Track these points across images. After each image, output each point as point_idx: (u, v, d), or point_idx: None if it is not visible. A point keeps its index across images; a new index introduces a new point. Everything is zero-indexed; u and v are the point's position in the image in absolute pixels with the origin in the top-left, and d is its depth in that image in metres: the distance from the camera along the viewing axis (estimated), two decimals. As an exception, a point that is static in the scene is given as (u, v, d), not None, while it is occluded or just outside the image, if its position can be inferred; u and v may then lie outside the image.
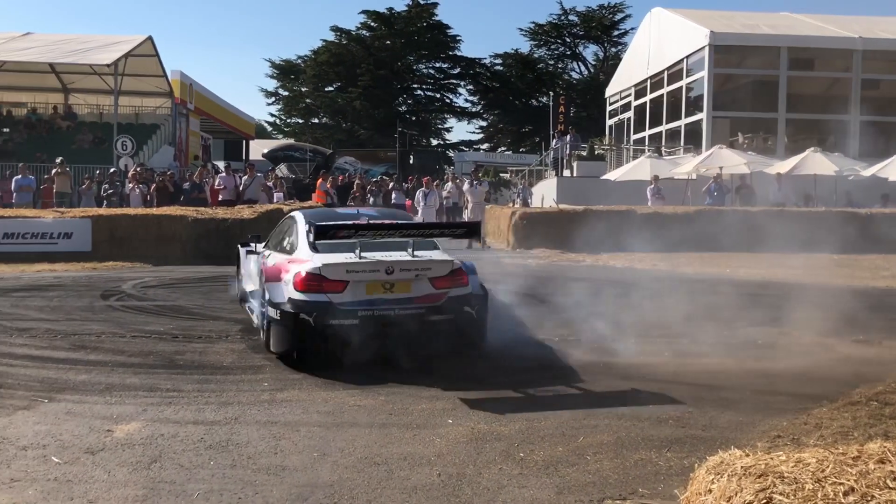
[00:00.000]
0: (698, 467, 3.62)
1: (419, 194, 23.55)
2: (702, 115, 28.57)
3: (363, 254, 7.50)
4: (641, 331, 8.83)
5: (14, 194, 22.38)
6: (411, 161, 55.18)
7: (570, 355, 7.90)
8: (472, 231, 8.40)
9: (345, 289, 7.35)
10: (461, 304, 7.74)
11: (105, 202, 21.89)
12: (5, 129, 32.94)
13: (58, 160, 23.55)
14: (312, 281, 7.37)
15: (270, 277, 7.80)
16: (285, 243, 8.60)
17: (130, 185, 22.16)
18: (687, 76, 29.85)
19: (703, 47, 28.02)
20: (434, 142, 69.09)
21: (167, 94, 35.27)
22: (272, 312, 7.51)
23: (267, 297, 7.70)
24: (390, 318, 7.40)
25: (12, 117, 34.19)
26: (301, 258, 7.81)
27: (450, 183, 25.18)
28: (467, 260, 8.36)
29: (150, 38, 32.47)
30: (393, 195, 25.67)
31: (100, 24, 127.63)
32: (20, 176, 22.79)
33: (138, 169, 23.81)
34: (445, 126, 70.18)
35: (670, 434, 5.51)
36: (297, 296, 7.37)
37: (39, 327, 9.27)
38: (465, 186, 24.18)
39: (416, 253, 7.73)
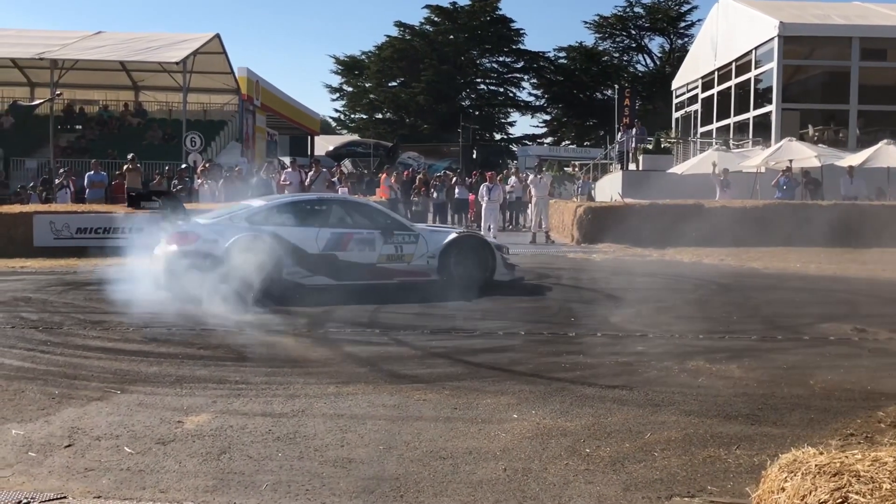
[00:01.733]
0: (770, 465, 3.55)
1: (483, 189, 23.52)
2: (771, 108, 27.93)
3: None
4: (714, 326, 8.72)
5: (87, 190, 22.84)
6: (474, 156, 55.00)
7: (641, 351, 7.85)
8: None
9: None
10: None
11: (175, 197, 22.32)
12: (78, 127, 33.77)
13: (129, 156, 24.06)
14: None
15: None
16: None
17: (199, 181, 22.50)
18: (756, 67, 29.22)
19: (773, 38, 27.36)
20: (497, 136, 69.11)
21: (234, 91, 35.82)
22: None
23: None
24: None
25: (85, 115, 35.01)
26: None
27: (513, 177, 25.11)
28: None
29: (217, 36, 33.06)
30: (457, 190, 25.73)
31: (168, 23, 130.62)
32: (92, 172, 23.28)
33: (207, 165, 24.19)
34: (509, 120, 70.24)
35: (739, 431, 5.40)
36: None
37: (112, 320, 9.46)
38: (530, 179, 24.08)
39: None
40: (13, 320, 9.42)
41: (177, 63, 30.11)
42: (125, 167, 23.68)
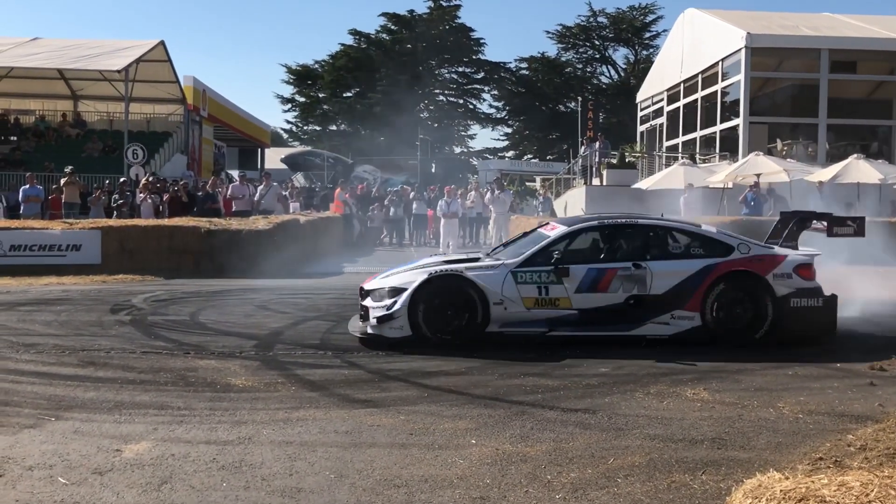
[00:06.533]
0: (735, 490, 3.43)
1: (441, 204, 23.37)
2: (738, 121, 28.08)
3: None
4: (685, 349, 8.67)
5: (21, 205, 22.05)
6: (433, 169, 54.68)
7: (607, 373, 7.73)
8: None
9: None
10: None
11: (115, 213, 21.55)
12: (13, 138, 32.74)
13: (67, 169, 23.19)
14: (811, 270, 9.11)
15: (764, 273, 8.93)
16: (673, 249, 9.35)
17: (142, 196, 21.76)
18: (722, 80, 29.40)
19: (740, 49, 27.51)
20: (457, 149, 68.77)
21: (180, 101, 34.88)
22: (801, 302, 8.92)
23: (772, 291, 8.88)
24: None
25: (20, 125, 33.95)
26: (764, 254, 9.15)
27: (473, 192, 24.96)
28: None
29: (162, 43, 32.21)
30: (414, 205, 25.53)
31: (110, 29, 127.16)
32: (28, 186, 22.44)
33: (150, 178, 23.45)
34: (469, 133, 70.07)
35: (705, 455, 5.29)
36: (810, 284, 9.03)
37: (47, 343, 9.15)
38: (488, 197, 23.85)
39: None
40: (-61, 343, 9.05)
41: (118, 71, 28.88)
42: (63, 181, 22.86)
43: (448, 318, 8.92)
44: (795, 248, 9.40)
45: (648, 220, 9.77)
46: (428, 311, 8.88)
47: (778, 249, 9.27)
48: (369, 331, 9.11)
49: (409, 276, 9.17)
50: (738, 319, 8.91)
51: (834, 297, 9.01)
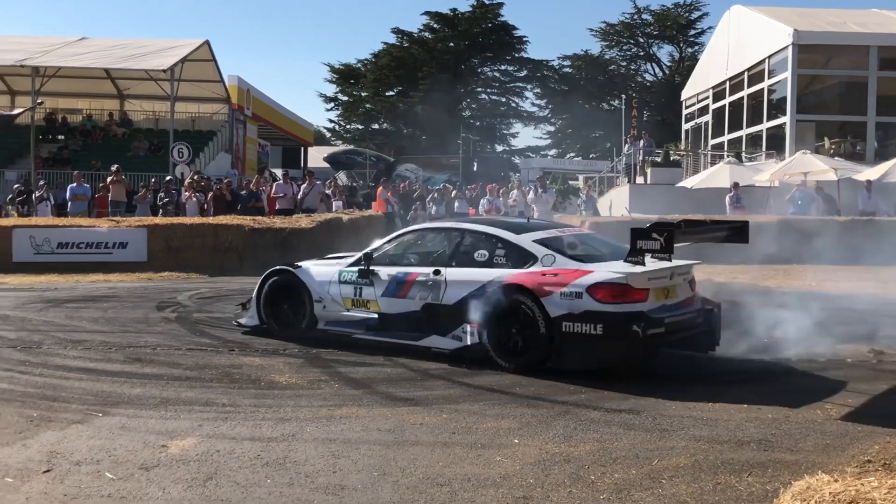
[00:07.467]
0: (783, 493, 3.37)
1: (483, 202, 23.28)
2: (785, 119, 27.68)
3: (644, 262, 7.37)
4: (733, 349, 8.51)
5: (69, 203, 22.41)
6: (475, 168, 54.55)
7: (650, 374, 7.61)
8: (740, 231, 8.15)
9: (647, 297, 7.39)
10: (706, 304, 8.20)
11: (161, 211, 21.90)
12: (60, 137, 33.28)
13: (113, 168, 23.55)
14: (619, 291, 7.31)
15: (539, 292, 7.52)
16: (476, 257, 8.27)
17: (186, 194, 22.02)
18: (769, 77, 28.99)
19: (787, 47, 27.12)
20: (499, 148, 68.36)
21: (224, 100, 35.26)
22: (575, 327, 7.32)
23: (545, 311, 7.43)
24: (682, 324, 7.67)
25: (68, 124, 34.50)
26: (563, 269, 7.64)
27: (515, 191, 24.84)
28: None
29: (206, 43, 32.60)
30: (456, 203, 25.49)
31: (156, 29, 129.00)
32: (75, 184, 22.80)
33: (195, 177, 23.73)
34: (511, 131, 69.27)
35: (751, 457, 5.22)
36: (604, 307, 7.28)
37: (94, 339, 9.28)
38: (530, 196, 23.74)
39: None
40: (-11, 339, 9.21)
41: (164, 71, 29.41)
42: (109, 179, 23.19)
43: (284, 311, 9.37)
44: (642, 262, 7.42)
45: (470, 225, 8.96)
46: (267, 303, 9.43)
47: (589, 265, 7.73)
48: (240, 320, 9.81)
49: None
50: (510, 340, 7.76)
51: (625, 326, 7.24)
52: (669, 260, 7.34)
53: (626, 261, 7.45)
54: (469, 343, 7.93)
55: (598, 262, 7.79)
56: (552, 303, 7.44)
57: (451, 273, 8.22)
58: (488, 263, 8.15)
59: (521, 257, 8.00)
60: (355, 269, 8.88)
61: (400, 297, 8.52)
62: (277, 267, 9.64)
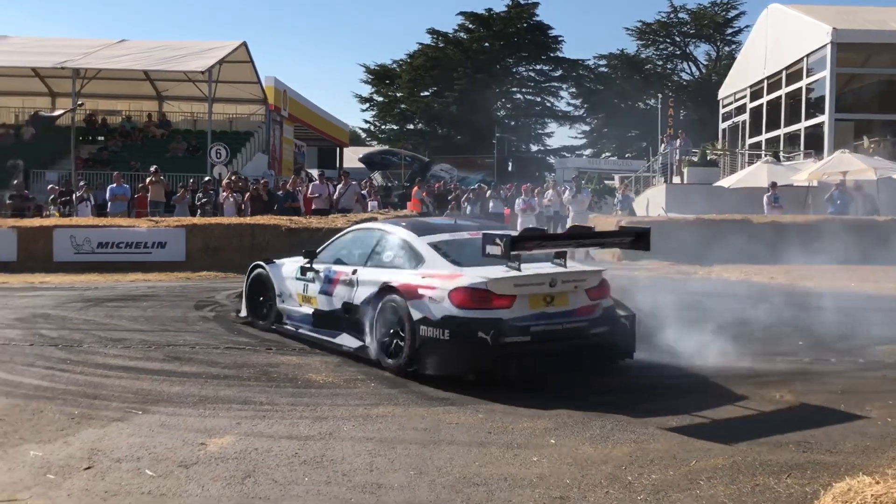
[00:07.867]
0: (823, 495, 3.33)
1: (518, 202, 23.22)
2: (823, 118, 27.35)
3: (521, 266, 7.17)
4: (765, 348, 8.47)
5: (108, 203, 22.71)
6: (510, 168, 54.40)
7: (689, 374, 7.58)
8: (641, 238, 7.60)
9: (512, 304, 7.09)
10: (614, 315, 7.73)
11: (199, 211, 22.07)
12: (100, 138, 33.70)
13: (152, 168, 23.89)
14: (476, 296, 7.06)
15: (409, 294, 7.41)
16: (385, 257, 8.33)
17: (224, 194, 22.16)
18: (807, 76, 28.66)
19: (825, 45, 26.80)
20: (534, 147, 68.17)
21: (261, 101, 35.50)
22: (429, 332, 7.12)
23: (409, 314, 7.30)
24: (558, 333, 7.28)
25: (107, 125, 34.91)
26: (439, 273, 7.48)
27: (551, 191, 24.73)
28: None
29: (244, 45, 32.82)
30: (491, 204, 25.43)
31: (193, 31, 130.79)
32: (114, 184, 23.13)
33: (232, 177, 23.94)
34: (546, 131, 69.09)
35: (790, 459, 5.17)
36: (459, 312, 7.03)
37: (134, 338, 9.40)
38: (566, 196, 23.63)
39: (567, 264, 7.53)
40: (32, 337, 9.36)
41: (202, 72, 29.67)
42: (148, 180, 23.53)
43: (260, 304, 9.96)
44: (517, 268, 7.21)
45: (385, 225, 9.01)
46: (249, 297, 10.18)
47: (464, 269, 7.43)
48: (240, 312, 10.47)
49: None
50: (391, 342, 7.64)
51: (471, 333, 6.96)
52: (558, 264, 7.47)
53: (508, 266, 7.21)
54: (367, 343, 7.93)
55: (485, 266, 7.35)
56: (416, 306, 7.30)
57: (363, 273, 8.29)
58: (392, 264, 8.20)
59: (414, 259, 7.96)
60: (308, 265, 9.11)
61: (328, 295, 8.69)
62: (256, 262, 10.25)
